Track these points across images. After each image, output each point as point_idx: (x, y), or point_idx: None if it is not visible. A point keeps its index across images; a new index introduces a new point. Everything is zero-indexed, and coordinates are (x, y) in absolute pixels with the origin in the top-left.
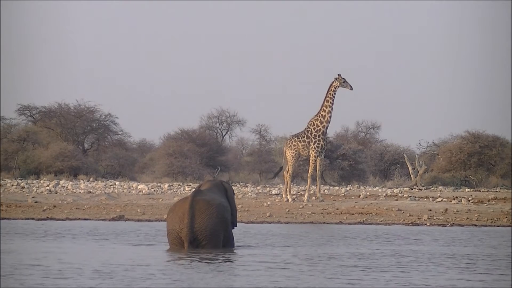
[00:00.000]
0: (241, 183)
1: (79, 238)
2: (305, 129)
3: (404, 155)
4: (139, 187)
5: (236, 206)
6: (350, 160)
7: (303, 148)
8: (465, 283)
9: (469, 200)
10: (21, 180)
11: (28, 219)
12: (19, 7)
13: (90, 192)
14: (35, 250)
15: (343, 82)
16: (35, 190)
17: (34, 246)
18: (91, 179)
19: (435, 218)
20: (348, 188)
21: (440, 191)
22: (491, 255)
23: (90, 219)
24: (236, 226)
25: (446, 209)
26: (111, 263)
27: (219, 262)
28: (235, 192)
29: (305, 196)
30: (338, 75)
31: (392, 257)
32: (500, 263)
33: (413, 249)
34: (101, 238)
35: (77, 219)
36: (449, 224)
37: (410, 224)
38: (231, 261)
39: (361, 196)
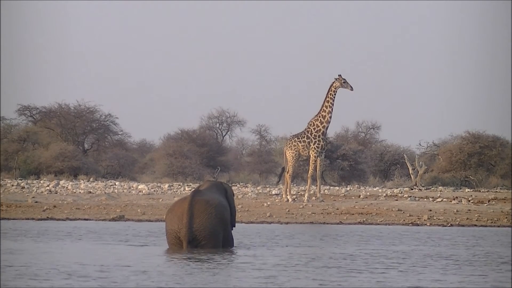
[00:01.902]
0: (241, 183)
1: (79, 238)
2: (305, 129)
3: (404, 155)
4: (139, 187)
5: (235, 206)
6: (350, 160)
7: (303, 148)
8: (459, 283)
9: (469, 201)
10: (21, 180)
11: (28, 219)
12: (19, 7)
13: (90, 192)
14: (33, 251)
15: (344, 82)
16: (35, 190)
17: (32, 246)
18: (91, 179)
19: (435, 218)
20: (348, 188)
21: (440, 191)
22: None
23: (90, 219)
24: (234, 226)
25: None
26: (110, 263)
27: (218, 262)
28: (235, 192)
29: (305, 196)
30: (338, 75)
31: (381, 257)
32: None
33: (402, 249)
34: (100, 238)
35: (77, 219)
36: (449, 224)
37: (410, 224)
38: (230, 261)
39: (361, 196)
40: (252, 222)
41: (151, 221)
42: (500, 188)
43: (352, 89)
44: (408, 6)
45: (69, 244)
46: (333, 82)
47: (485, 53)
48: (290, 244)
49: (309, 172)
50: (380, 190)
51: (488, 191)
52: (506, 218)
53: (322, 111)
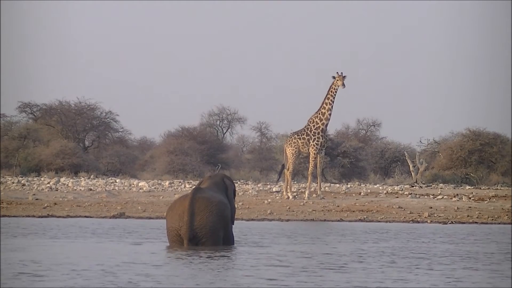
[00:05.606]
0: (242, 181)
1: (79, 236)
2: (305, 126)
3: (405, 152)
4: (139, 184)
5: (235, 205)
6: (351, 157)
7: (303, 145)
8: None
9: (470, 198)
10: (22, 177)
11: (28, 216)
12: (19, 6)
13: (90, 189)
14: (33, 249)
15: (343, 78)
16: (35, 188)
17: (32, 243)
18: (91, 177)
19: (435, 215)
20: (348, 186)
21: (441, 188)
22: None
23: (90, 217)
24: (233, 224)
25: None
26: (110, 261)
27: (218, 260)
28: (236, 189)
29: (306, 193)
30: (340, 73)
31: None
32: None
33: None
34: (100, 235)
35: (78, 217)
36: (449, 222)
37: (410, 222)
38: (231, 259)
39: (362, 194)
40: (252, 219)
41: (152, 218)
42: (501, 186)
43: (344, 87)
44: (408, 5)
45: (69, 242)
46: (335, 81)
47: (485, 50)
48: (291, 241)
49: (310, 169)
50: (380, 188)
51: (488, 188)
52: (507, 215)
53: (322, 108)
